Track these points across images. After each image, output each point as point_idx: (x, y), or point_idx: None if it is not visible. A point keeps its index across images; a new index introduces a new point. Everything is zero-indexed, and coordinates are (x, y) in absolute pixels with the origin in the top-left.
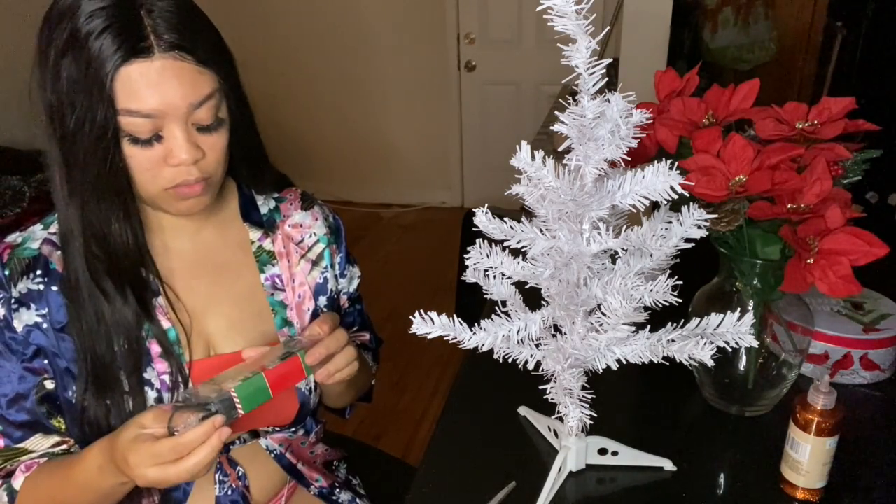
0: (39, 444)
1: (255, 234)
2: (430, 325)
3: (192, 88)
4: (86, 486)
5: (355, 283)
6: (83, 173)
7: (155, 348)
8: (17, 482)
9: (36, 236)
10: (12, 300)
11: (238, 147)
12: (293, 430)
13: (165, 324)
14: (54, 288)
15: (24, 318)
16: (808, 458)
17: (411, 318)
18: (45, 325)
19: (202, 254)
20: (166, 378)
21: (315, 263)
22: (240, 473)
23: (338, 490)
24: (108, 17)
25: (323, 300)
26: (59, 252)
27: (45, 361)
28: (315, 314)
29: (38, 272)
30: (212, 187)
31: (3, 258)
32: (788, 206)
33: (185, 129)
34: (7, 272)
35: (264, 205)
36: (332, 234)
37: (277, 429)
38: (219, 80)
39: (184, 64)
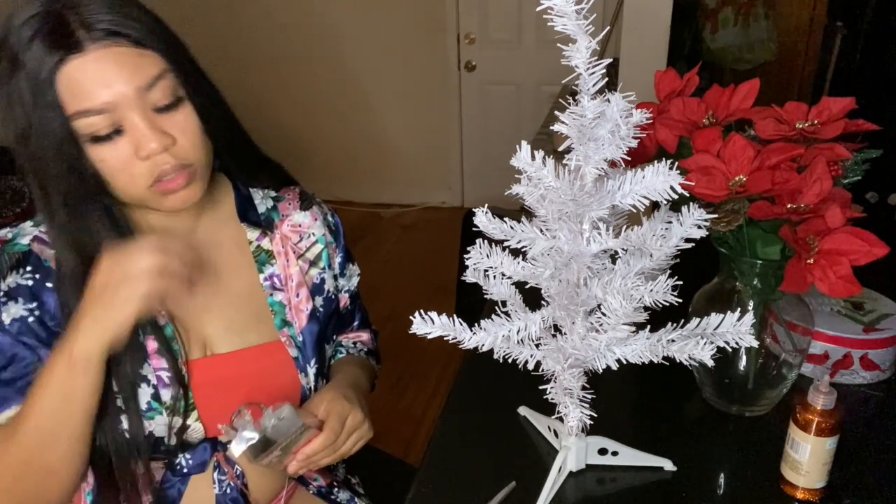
0: (6, 416)
1: (252, 234)
2: (430, 325)
3: (136, 70)
4: (51, 388)
5: (355, 280)
6: (58, 190)
7: (151, 344)
8: None
9: (26, 231)
10: (0, 294)
11: (217, 134)
12: None
13: (160, 321)
14: (49, 284)
15: (12, 312)
16: (808, 458)
17: (411, 318)
18: (30, 319)
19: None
20: (163, 374)
21: (313, 263)
22: (238, 471)
23: (336, 489)
24: (32, 26)
25: (319, 300)
26: (52, 251)
27: (40, 344)
28: (312, 314)
29: (29, 268)
30: (198, 177)
31: None
32: (788, 206)
33: (144, 115)
34: None
35: (262, 204)
36: (331, 233)
37: None
38: (166, 61)
39: (120, 49)
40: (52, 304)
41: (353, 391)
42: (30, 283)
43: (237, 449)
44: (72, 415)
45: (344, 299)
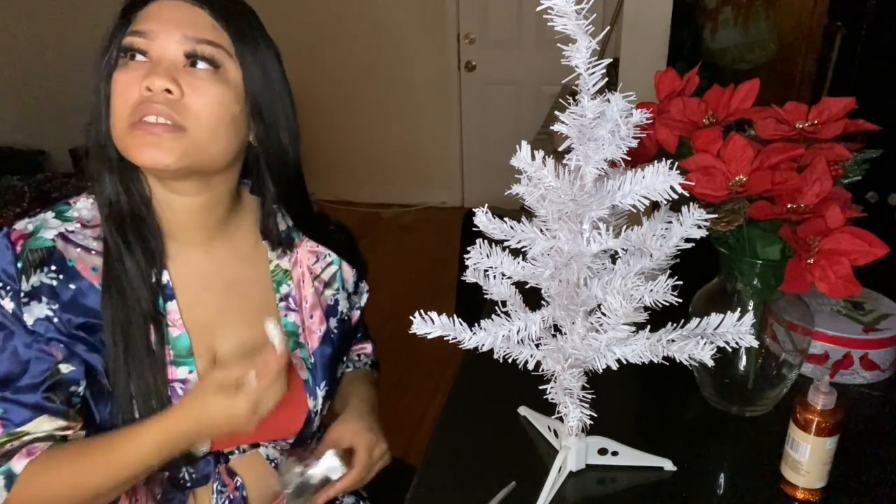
0: (40, 426)
1: (273, 253)
2: (430, 325)
3: (194, 25)
4: (132, 465)
5: (364, 297)
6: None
7: (168, 354)
8: (19, 465)
9: (49, 225)
10: (22, 293)
11: (269, 164)
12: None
13: (177, 331)
14: (72, 286)
15: (36, 312)
16: (808, 458)
17: (411, 318)
18: (55, 320)
19: (215, 266)
20: (176, 386)
21: (328, 285)
22: (238, 483)
23: None
24: None
25: (333, 322)
26: (77, 249)
27: (62, 345)
28: (326, 336)
29: (53, 267)
30: (180, 145)
31: (17, 249)
32: (788, 206)
33: (173, 56)
34: (20, 265)
35: (282, 222)
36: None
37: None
38: (233, 48)
39: (197, 9)
40: (71, 304)
41: (375, 419)
42: (53, 282)
43: (288, 496)
44: (138, 479)
45: (355, 316)
